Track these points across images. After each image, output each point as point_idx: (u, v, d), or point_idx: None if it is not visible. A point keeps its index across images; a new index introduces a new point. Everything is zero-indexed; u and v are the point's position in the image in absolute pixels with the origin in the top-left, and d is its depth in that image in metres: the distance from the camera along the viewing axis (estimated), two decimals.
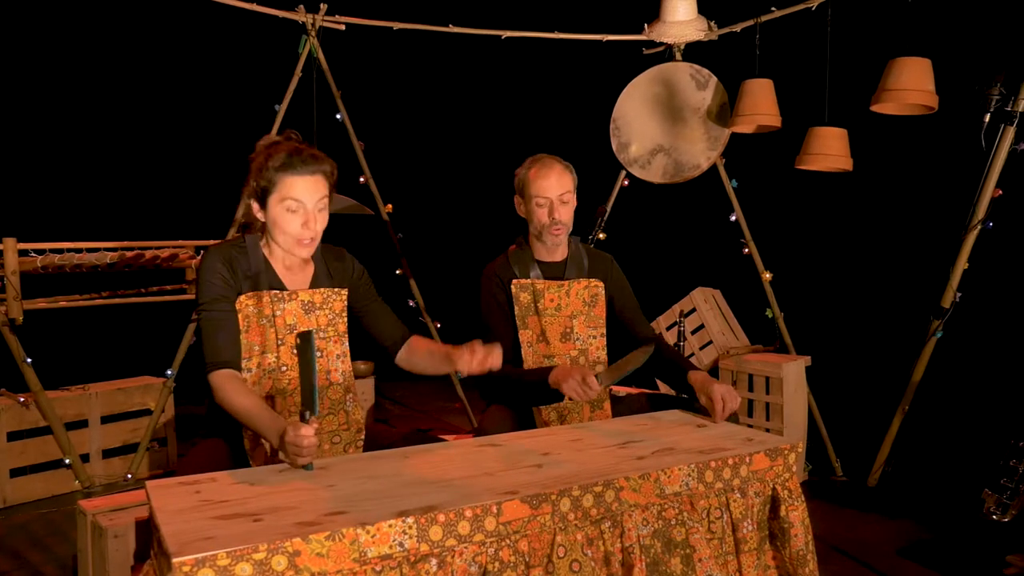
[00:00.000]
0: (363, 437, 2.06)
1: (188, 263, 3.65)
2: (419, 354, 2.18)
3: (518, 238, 2.54)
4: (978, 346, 3.51)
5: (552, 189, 2.38)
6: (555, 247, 2.47)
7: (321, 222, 1.96)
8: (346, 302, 2.08)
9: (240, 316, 1.93)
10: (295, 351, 1.91)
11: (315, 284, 2.06)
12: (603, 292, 2.47)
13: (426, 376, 2.26)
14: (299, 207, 1.91)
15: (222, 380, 1.85)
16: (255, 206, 1.97)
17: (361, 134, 4.03)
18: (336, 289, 2.06)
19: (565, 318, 2.41)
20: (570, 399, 2.19)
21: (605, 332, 2.47)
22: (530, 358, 2.39)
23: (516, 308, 2.40)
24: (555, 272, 2.48)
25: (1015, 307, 3.43)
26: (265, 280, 1.98)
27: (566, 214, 2.41)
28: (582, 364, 2.42)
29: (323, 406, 2.01)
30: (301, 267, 2.06)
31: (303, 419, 1.62)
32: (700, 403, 2.19)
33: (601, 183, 3.99)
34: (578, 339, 2.42)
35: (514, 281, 2.41)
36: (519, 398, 2.38)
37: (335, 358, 2.04)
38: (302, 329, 1.97)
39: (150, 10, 4.58)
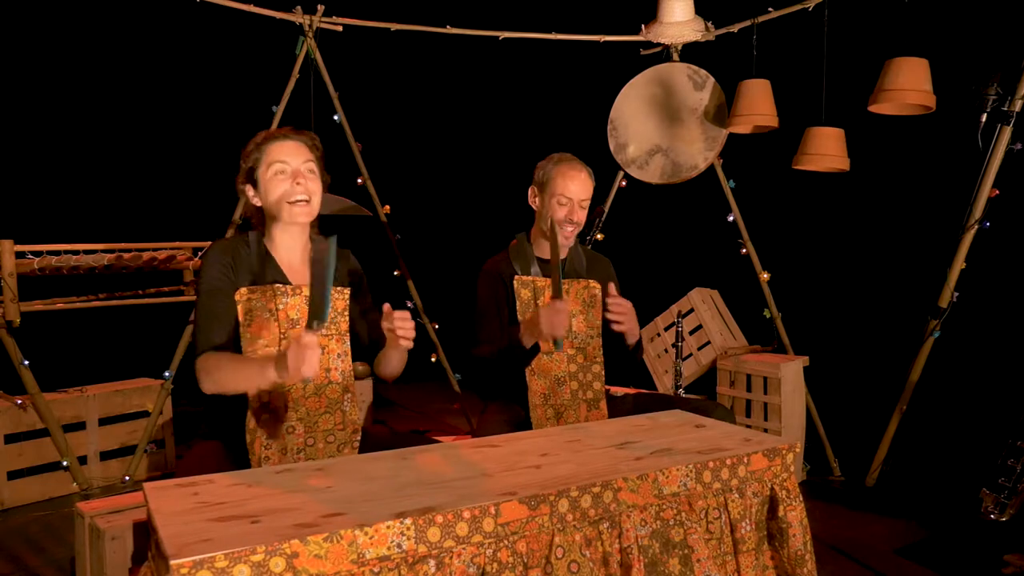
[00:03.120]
0: (359, 438, 2.05)
1: (185, 265, 3.64)
2: (378, 358, 2.18)
3: (519, 235, 2.55)
4: (976, 346, 3.52)
5: (577, 192, 2.42)
6: (563, 247, 2.48)
7: (312, 184, 2.00)
8: (348, 301, 2.07)
9: (241, 309, 1.93)
10: (286, 336, 1.93)
11: None
12: (600, 294, 2.48)
13: (425, 378, 2.28)
14: (286, 167, 1.97)
15: (206, 357, 1.87)
16: (250, 191, 2.02)
17: (359, 135, 4.03)
18: (338, 288, 2.05)
19: None
20: (556, 344, 2.18)
21: (602, 333, 2.48)
22: None
23: (518, 304, 2.41)
24: None
25: (1012, 307, 3.43)
26: (269, 274, 1.99)
27: (581, 217, 2.45)
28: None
29: (320, 404, 2.00)
30: (304, 262, 2.06)
31: (309, 327, 1.62)
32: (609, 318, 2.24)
33: (599, 184, 3.95)
34: (576, 337, 2.43)
35: (516, 277, 2.42)
36: (503, 371, 2.37)
37: (335, 357, 2.03)
38: (304, 324, 1.96)
39: (147, 11, 4.58)
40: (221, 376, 1.82)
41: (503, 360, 2.34)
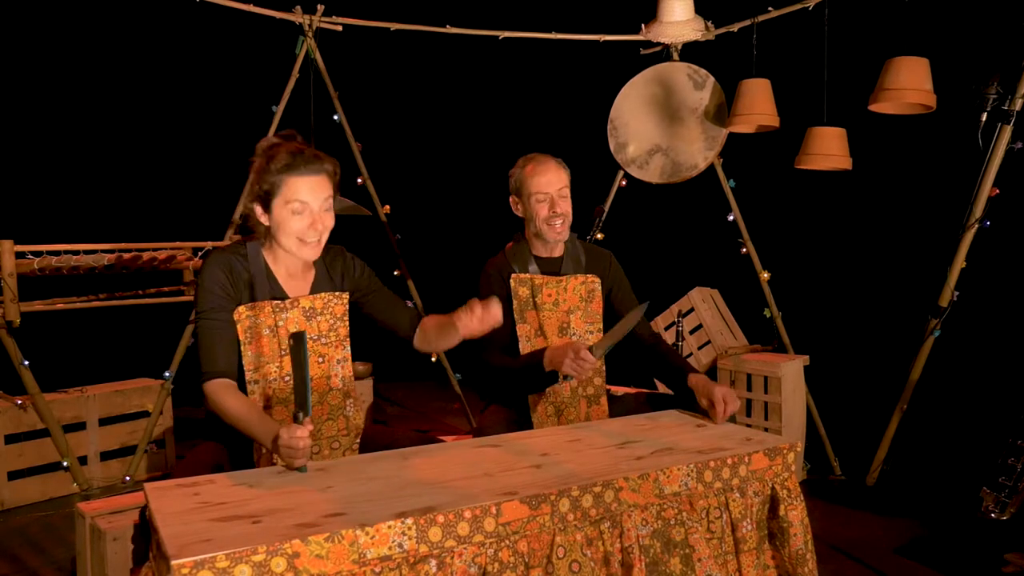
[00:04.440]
0: (359, 440, 2.05)
1: (186, 265, 3.64)
2: (430, 331, 2.17)
3: (516, 235, 2.55)
4: (976, 345, 3.52)
5: (551, 184, 2.40)
6: (556, 243, 2.48)
7: (327, 221, 1.95)
8: (347, 305, 2.06)
9: (240, 328, 1.91)
10: (287, 352, 1.92)
11: (316, 289, 2.05)
12: (600, 288, 2.48)
13: (425, 377, 2.27)
14: (304, 208, 1.90)
15: (215, 388, 1.86)
16: (258, 210, 1.94)
17: (359, 135, 4.02)
18: (337, 293, 2.05)
19: (562, 313, 2.43)
20: (565, 378, 2.19)
21: (602, 327, 2.48)
22: (527, 351, 2.40)
23: (515, 302, 2.41)
24: (552, 268, 2.49)
25: (1013, 306, 3.43)
26: (266, 289, 1.97)
27: (566, 207, 2.42)
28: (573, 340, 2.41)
29: (323, 411, 2.00)
30: (303, 273, 2.05)
31: (296, 420, 1.62)
32: (701, 405, 2.19)
33: (599, 183, 3.99)
34: (575, 334, 2.43)
35: (513, 275, 2.42)
36: (515, 387, 2.38)
37: (335, 363, 2.02)
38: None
39: (147, 11, 4.57)
40: (226, 416, 1.82)
41: (520, 376, 2.33)
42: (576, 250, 2.53)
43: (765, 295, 3.75)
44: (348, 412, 2.03)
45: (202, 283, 1.93)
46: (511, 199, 2.51)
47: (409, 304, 2.22)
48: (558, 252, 2.51)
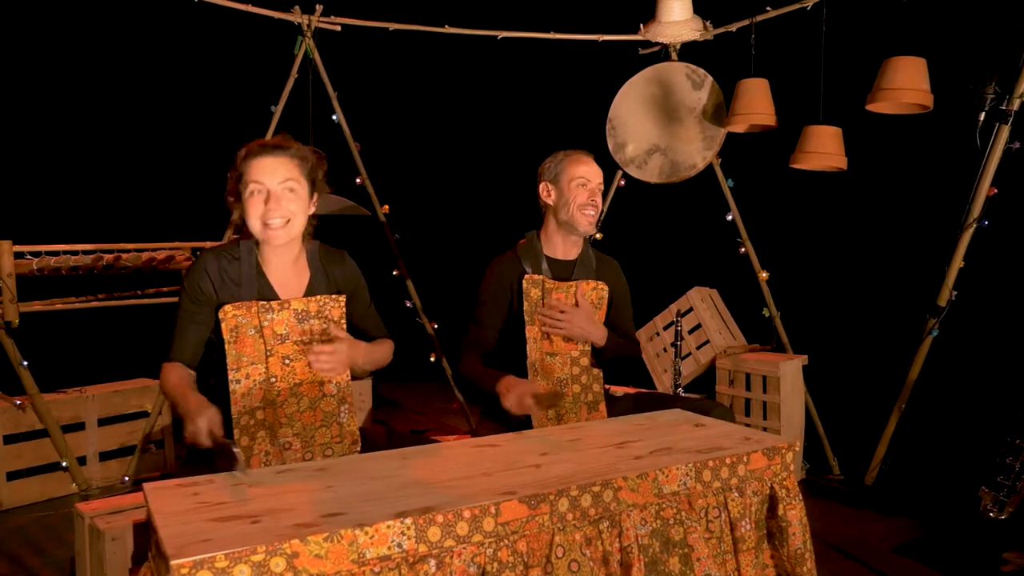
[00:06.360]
0: (358, 449, 2.02)
1: (184, 265, 3.64)
2: None
3: (529, 233, 2.53)
4: (974, 344, 3.52)
5: (593, 175, 2.45)
6: (577, 240, 2.48)
7: (291, 203, 1.92)
8: (344, 308, 2.03)
9: (225, 327, 1.90)
10: (273, 353, 1.94)
11: (311, 291, 2.02)
12: (607, 296, 2.48)
13: (424, 377, 2.26)
14: (261, 189, 1.91)
15: (169, 367, 1.93)
16: (239, 204, 1.98)
17: (357, 135, 4.02)
18: (334, 296, 2.02)
19: None
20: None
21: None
22: (534, 354, 2.39)
23: (525, 303, 2.39)
24: (564, 270, 2.48)
25: (1011, 305, 3.44)
26: (256, 288, 1.95)
27: (600, 202, 2.48)
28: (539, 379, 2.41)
29: (315, 417, 1.97)
30: (296, 274, 2.02)
31: (231, 448, 1.63)
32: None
33: None
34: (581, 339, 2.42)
35: (525, 276, 2.40)
36: (477, 395, 2.40)
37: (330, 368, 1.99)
38: (294, 339, 1.95)
39: (145, 11, 4.57)
40: (168, 393, 1.89)
41: (480, 388, 2.33)
42: (588, 255, 2.52)
43: (764, 295, 3.75)
44: (342, 419, 2.00)
45: (188, 277, 1.96)
46: (541, 187, 2.48)
47: (385, 334, 2.22)
48: (572, 255, 2.50)
